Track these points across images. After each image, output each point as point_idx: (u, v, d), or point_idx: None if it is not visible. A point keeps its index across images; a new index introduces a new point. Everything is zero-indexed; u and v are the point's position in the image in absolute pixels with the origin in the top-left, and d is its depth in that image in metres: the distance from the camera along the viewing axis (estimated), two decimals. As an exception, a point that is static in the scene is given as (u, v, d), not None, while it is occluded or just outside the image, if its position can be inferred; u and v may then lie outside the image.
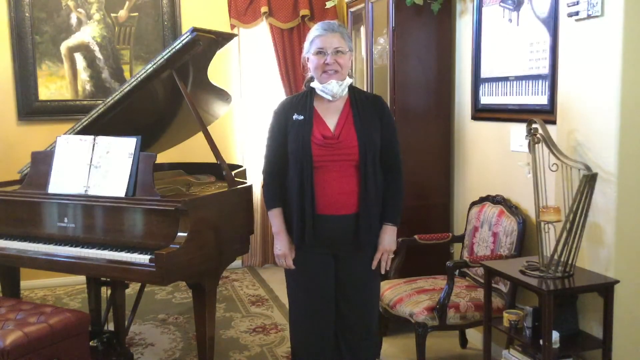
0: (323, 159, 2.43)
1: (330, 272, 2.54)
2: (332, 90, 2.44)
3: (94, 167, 2.98)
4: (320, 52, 2.43)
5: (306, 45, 2.50)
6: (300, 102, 2.52)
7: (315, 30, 2.47)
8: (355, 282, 2.55)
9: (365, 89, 4.05)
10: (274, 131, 2.54)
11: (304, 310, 2.58)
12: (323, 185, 2.43)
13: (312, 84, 2.51)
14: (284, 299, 4.53)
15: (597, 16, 2.48)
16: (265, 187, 2.58)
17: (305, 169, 2.42)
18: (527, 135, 2.64)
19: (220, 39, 3.27)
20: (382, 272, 2.59)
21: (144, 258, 2.73)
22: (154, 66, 3.07)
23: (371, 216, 2.46)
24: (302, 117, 2.47)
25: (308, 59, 2.49)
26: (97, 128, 3.24)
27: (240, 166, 3.86)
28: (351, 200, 2.44)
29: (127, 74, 4.97)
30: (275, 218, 2.53)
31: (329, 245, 2.49)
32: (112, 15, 4.92)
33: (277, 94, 5.17)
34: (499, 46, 3.33)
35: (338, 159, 2.43)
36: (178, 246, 2.70)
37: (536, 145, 2.61)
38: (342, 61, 2.44)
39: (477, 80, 3.52)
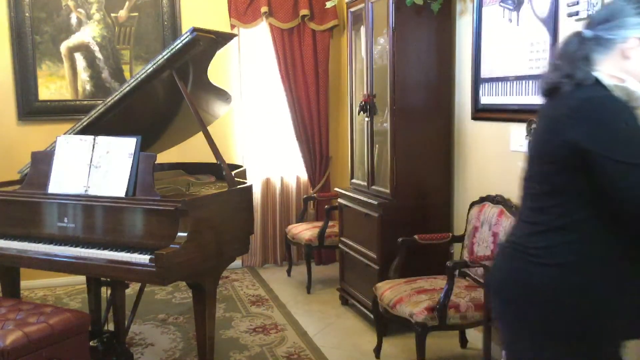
0: None
1: None
2: None
3: (94, 167, 2.98)
4: None
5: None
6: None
7: None
8: None
9: (365, 89, 4.05)
10: None
11: None
12: None
13: (634, 87, 1.64)
14: (284, 299, 4.54)
15: (597, 16, 2.48)
16: None
17: None
18: (527, 135, 2.64)
19: (220, 39, 3.27)
20: None
21: (144, 258, 2.72)
22: (154, 66, 3.07)
23: None
24: None
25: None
26: (97, 128, 3.24)
27: (240, 166, 3.87)
28: None
29: (127, 74, 4.97)
30: None
31: None
32: (112, 15, 4.92)
33: (277, 94, 5.18)
34: (499, 46, 3.33)
35: None
36: (178, 246, 2.70)
37: (536, 145, 2.60)
38: None
39: (477, 80, 3.52)
